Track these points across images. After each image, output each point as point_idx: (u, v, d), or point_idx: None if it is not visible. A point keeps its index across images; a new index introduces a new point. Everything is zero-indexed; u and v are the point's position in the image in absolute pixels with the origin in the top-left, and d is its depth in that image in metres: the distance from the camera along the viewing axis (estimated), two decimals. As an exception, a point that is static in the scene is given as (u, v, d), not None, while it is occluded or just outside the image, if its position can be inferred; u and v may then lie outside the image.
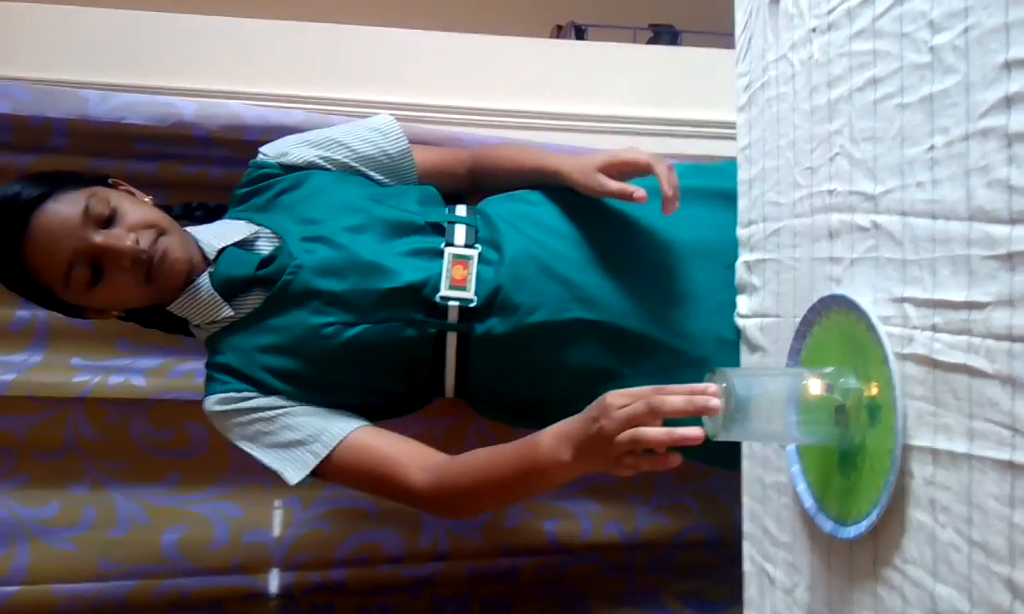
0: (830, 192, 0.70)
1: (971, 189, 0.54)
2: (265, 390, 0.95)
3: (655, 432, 0.72)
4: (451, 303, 0.95)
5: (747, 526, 0.84)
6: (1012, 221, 0.50)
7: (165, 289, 0.94)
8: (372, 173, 1.08)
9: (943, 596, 0.55)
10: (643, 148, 0.95)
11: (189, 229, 0.99)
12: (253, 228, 0.99)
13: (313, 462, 0.93)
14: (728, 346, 0.91)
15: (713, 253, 0.97)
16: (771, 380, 0.70)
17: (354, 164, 1.07)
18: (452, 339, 0.97)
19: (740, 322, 0.88)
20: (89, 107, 1.08)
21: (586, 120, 1.47)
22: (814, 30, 0.73)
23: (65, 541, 1.14)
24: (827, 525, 0.67)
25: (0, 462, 1.14)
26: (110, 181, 0.97)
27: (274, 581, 1.21)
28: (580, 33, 2.31)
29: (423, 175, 1.10)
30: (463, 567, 1.24)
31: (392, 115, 1.13)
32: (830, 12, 0.70)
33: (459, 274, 0.96)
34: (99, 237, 0.88)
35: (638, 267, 0.98)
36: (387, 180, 1.09)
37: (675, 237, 1.00)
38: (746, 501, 0.84)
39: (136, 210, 0.92)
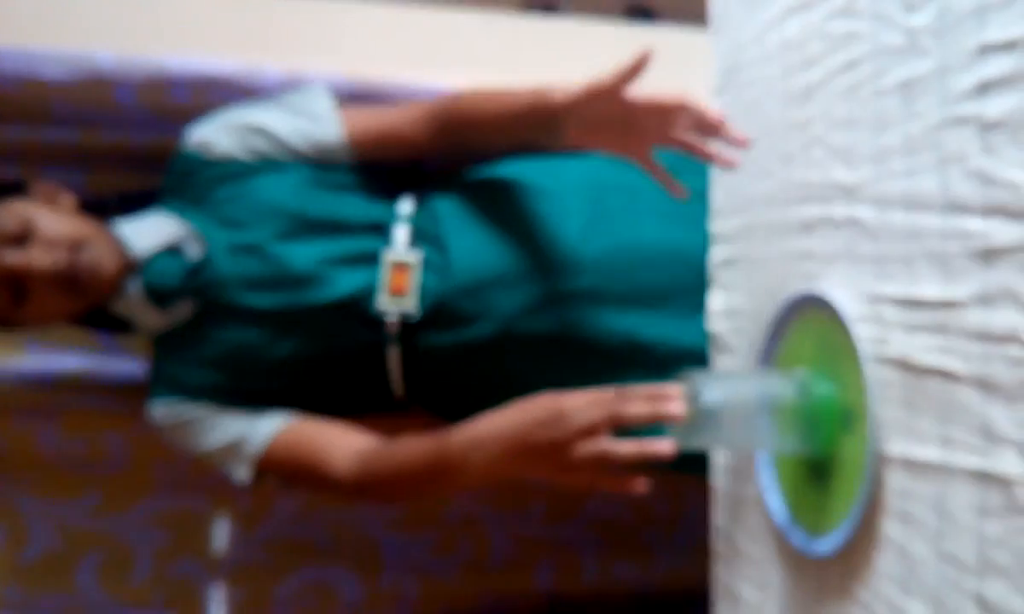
0: (805, 182, 0.72)
1: (947, 180, 0.56)
2: (198, 399, 0.98)
3: (625, 448, 0.73)
4: (389, 317, 0.96)
5: (716, 542, 0.85)
6: (987, 212, 0.52)
7: (95, 297, 0.96)
8: (302, 161, 1.04)
9: (913, 612, 0.57)
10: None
11: (120, 225, 1.00)
12: (181, 227, 0.99)
13: (249, 460, 0.96)
14: (692, 357, 0.91)
15: (681, 254, 0.96)
16: (741, 384, 0.71)
17: (280, 155, 1.03)
18: (394, 352, 0.97)
19: (711, 322, 0.90)
20: None
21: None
22: (789, 10, 0.75)
23: None
24: (798, 540, 0.69)
25: None
26: (28, 186, 0.98)
27: None
28: (551, 9, 2.32)
29: (367, 150, 1.04)
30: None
31: (329, 84, 1.07)
32: (806, -10, 0.72)
33: (399, 282, 0.95)
34: (12, 257, 0.90)
35: (595, 270, 0.97)
36: (321, 164, 1.05)
37: (641, 237, 0.99)
38: (714, 515, 0.86)
39: (52, 222, 0.93)
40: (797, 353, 0.72)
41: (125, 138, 1.12)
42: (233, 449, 0.97)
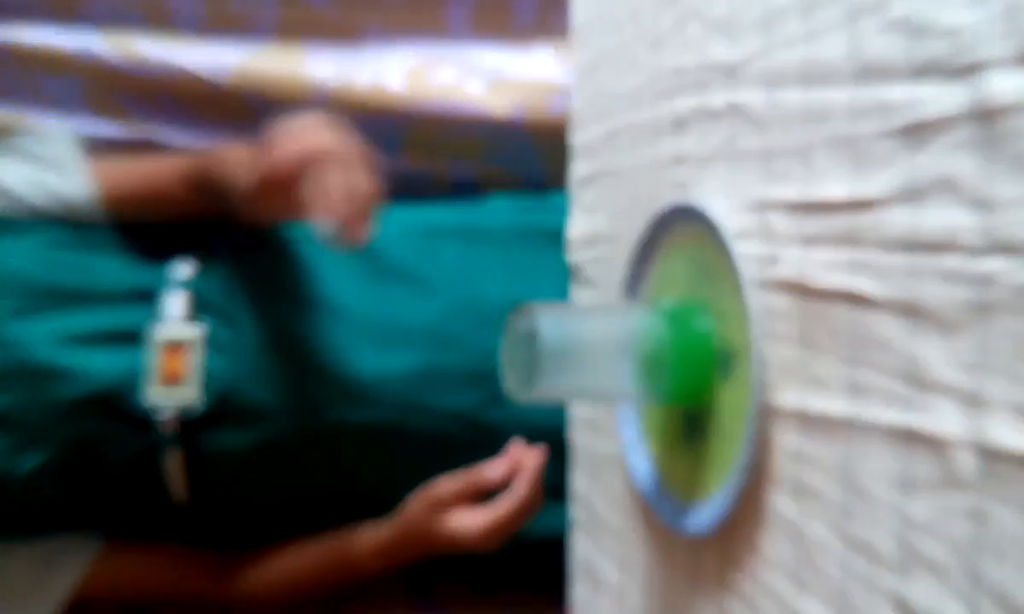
0: (677, 69, 0.54)
1: (858, 38, 0.38)
2: None
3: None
4: (162, 413, 0.71)
5: (575, 510, 0.68)
6: (915, 74, 0.35)
7: None
8: (43, 220, 0.76)
9: (808, 613, 0.40)
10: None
11: None
12: None
13: (47, 609, 0.71)
14: (547, 436, 0.71)
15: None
16: (593, 321, 0.53)
17: (15, 213, 0.74)
18: (173, 457, 0.72)
19: (571, 256, 0.71)
20: None
21: None
22: None
23: None
24: (665, 511, 0.52)
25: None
26: None
27: None
28: None
29: (126, 211, 0.77)
30: None
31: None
32: None
33: (172, 367, 0.70)
34: None
35: (429, 341, 0.76)
36: (71, 222, 0.76)
37: (482, 296, 0.78)
38: (574, 477, 0.68)
39: None
40: (668, 281, 0.54)
41: None
42: (29, 592, 0.71)
